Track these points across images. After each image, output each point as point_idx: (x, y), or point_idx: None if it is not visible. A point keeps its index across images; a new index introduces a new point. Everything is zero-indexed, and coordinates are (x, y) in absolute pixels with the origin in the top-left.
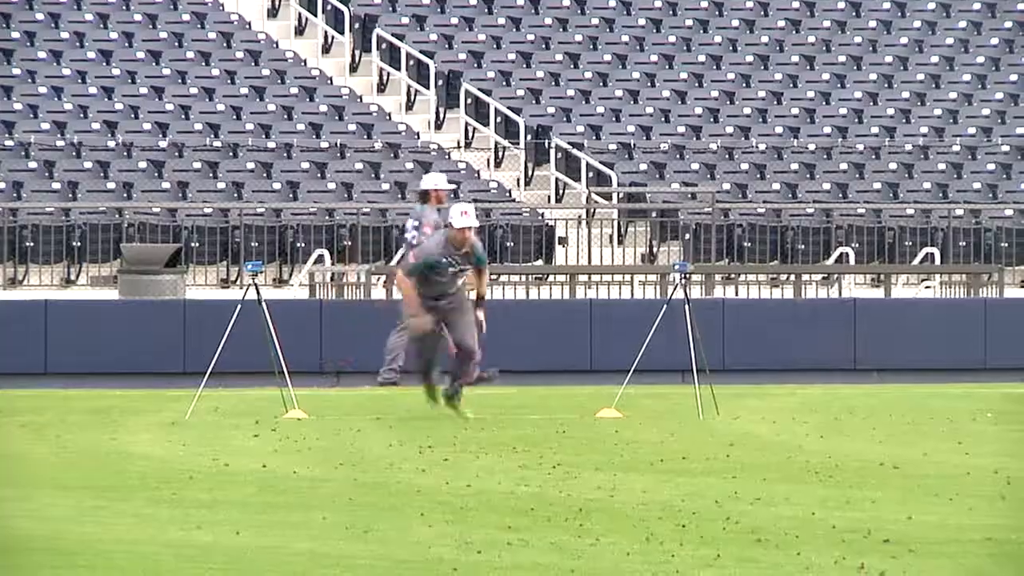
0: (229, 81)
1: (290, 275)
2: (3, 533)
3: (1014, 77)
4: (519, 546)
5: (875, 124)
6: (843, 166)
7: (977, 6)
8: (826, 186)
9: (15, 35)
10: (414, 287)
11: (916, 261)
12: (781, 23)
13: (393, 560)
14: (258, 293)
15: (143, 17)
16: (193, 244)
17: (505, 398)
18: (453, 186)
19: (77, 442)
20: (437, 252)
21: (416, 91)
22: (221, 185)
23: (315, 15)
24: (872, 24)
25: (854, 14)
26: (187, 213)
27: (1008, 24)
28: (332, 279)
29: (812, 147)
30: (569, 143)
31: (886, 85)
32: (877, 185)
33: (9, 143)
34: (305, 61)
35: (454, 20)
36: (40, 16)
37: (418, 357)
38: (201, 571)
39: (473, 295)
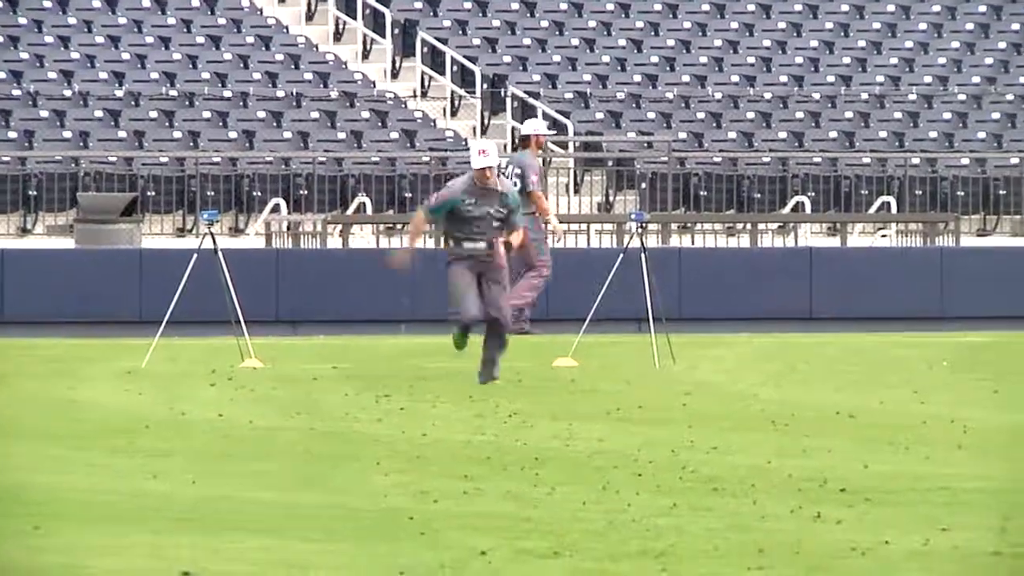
0: (184, 30)
1: (246, 224)
2: None
3: (970, 26)
4: (475, 495)
5: (831, 73)
6: (799, 115)
7: None
8: (782, 135)
9: (22, 21)
10: (424, 227)
11: (872, 210)
12: None
13: (349, 509)
14: (214, 242)
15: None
16: (149, 193)
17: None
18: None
19: (35, 391)
20: (460, 191)
21: (372, 39)
22: (177, 134)
23: None
24: None
25: None
26: (143, 162)
27: None
28: (288, 228)
29: (768, 96)
30: (525, 92)
31: (842, 34)
32: (833, 134)
33: None
34: (262, 10)
35: None
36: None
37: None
38: (159, 520)
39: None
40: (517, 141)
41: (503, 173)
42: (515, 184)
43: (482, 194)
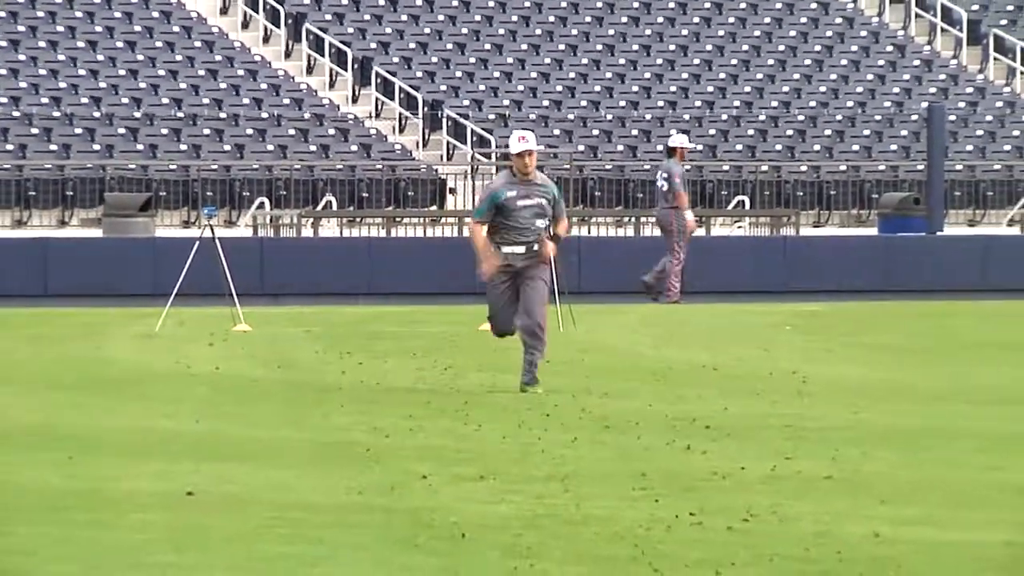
0: (189, 65)
1: (238, 218)
2: (7, 423)
3: (808, 61)
4: (418, 431)
5: (698, 99)
6: (672, 131)
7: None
8: (659, 147)
9: (21, 28)
10: (484, 233)
11: (731, 206)
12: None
13: (319, 443)
14: (212, 232)
15: (122, 15)
16: (161, 193)
17: (408, 315)
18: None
19: (68, 350)
20: (501, 185)
21: (337, 72)
22: (183, 147)
23: (256, 11)
24: (732, 20)
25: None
26: (156, 169)
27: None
28: (271, 221)
29: (648, 117)
30: (457, 114)
31: (707, 69)
32: (700, 147)
33: (16, 114)
34: (250, 49)
35: (367, 16)
36: (40, 13)
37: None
38: (168, 452)
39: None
40: (666, 151)
41: (662, 175)
42: (663, 185)
43: (523, 184)
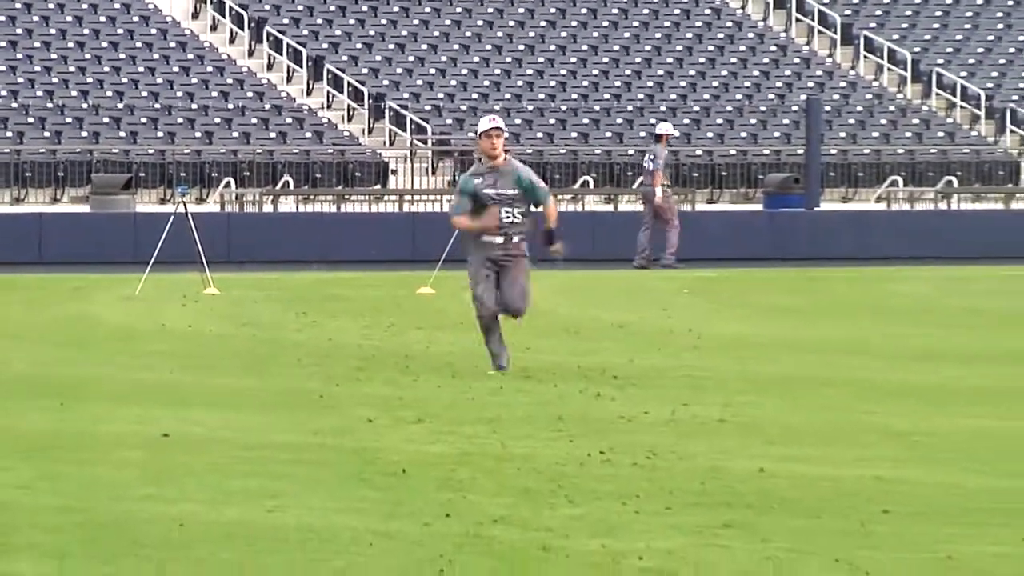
0: (165, 63)
1: (207, 196)
2: (6, 374)
3: (702, 59)
4: (365, 381)
5: (598, 104)
6: (585, 121)
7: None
8: (574, 134)
9: (19, 30)
10: (464, 223)
11: (634, 186)
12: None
13: (279, 391)
14: (185, 208)
15: (106, 19)
16: (141, 174)
17: (355, 279)
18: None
19: (59, 311)
20: (471, 174)
21: (293, 69)
22: (160, 134)
23: (224, 16)
24: (629, 32)
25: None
26: (136, 153)
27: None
28: (236, 198)
29: (564, 107)
30: (398, 105)
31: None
32: (608, 134)
33: (14, 105)
34: (217, 48)
35: (319, 20)
36: (35, 17)
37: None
38: (147, 398)
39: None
40: (654, 137)
41: (649, 157)
42: (649, 166)
43: (491, 172)
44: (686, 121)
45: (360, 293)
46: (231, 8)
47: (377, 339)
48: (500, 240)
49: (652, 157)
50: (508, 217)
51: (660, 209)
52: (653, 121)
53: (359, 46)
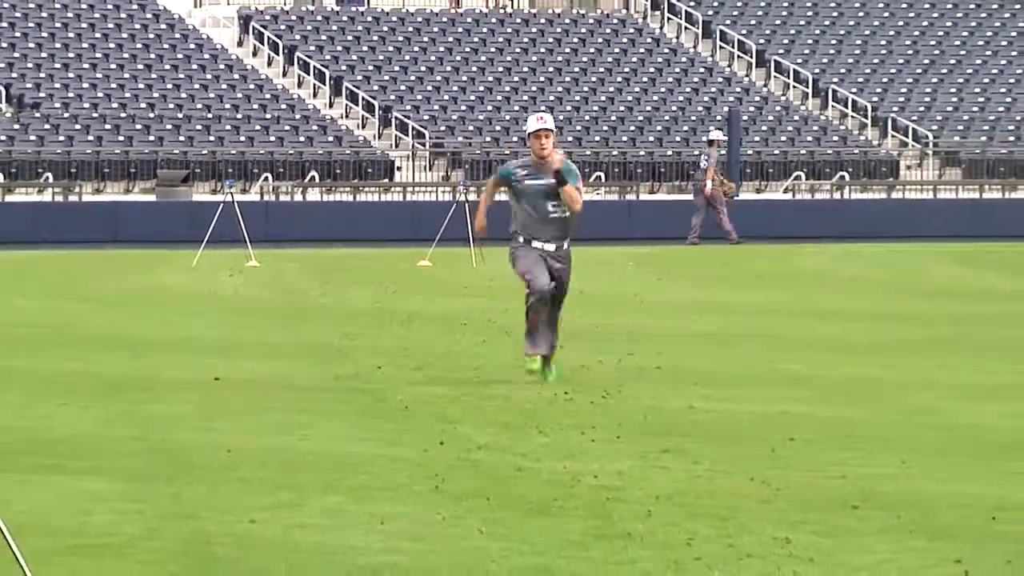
0: (216, 82)
1: (249, 187)
2: (88, 331)
3: (594, 78)
4: (375, 336)
5: (569, 106)
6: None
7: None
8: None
9: (99, 55)
10: (489, 198)
11: (591, 179)
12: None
13: (306, 344)
14: (232, 197)
15: (168, 46)
16: (196, 171)
17: (367, 255)
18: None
19: (131, 279)
20: (514, 165)
21: (318, 87)
22: (212, 138)
23: (262, 43)
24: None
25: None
26: (193, 154)
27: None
28: (272, 190)
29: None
30: (402, 115)
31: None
32: (570, 138)
33: (95, 115)
34: (257, 70)
35: (339, 48)
36: (111, 45)
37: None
38: (202, 349)
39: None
40: (707, 142)
41: (704, 158)
42: (703, 164)
43: (536, 166)
44: (632, 128)
45: (371, 265)
46: (268, 38)
47: (385, 302)
48: (552, 248)
49: (706, 157)
50: (555, 213)
51: (711, 198)
52: (605, 128)
53: (371, 68)
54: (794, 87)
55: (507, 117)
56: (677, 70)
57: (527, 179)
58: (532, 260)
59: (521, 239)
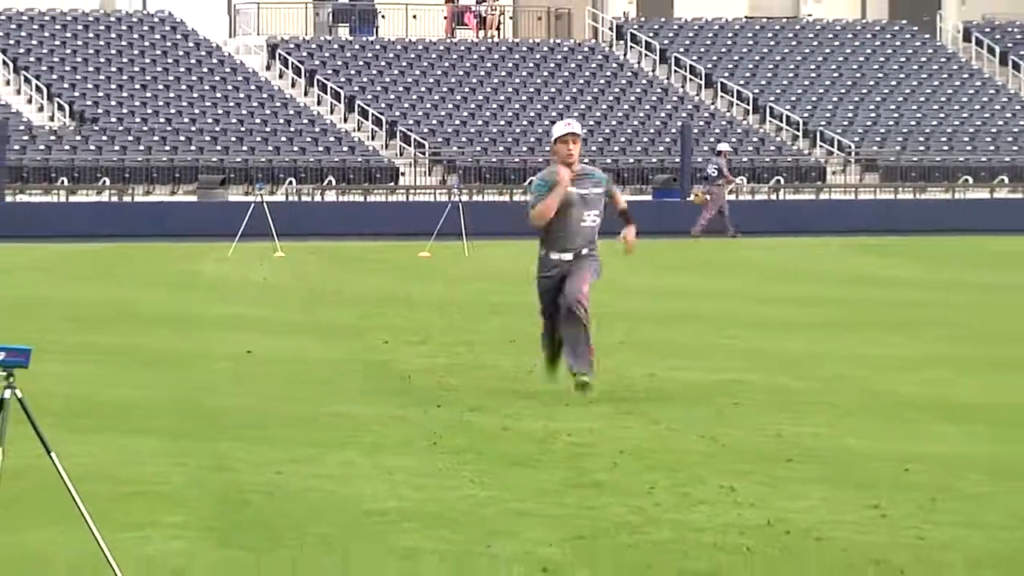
0: (247, 99)
1: (276, 190)
2: (136, 310)
3: (568, 96)
4: (381, 314)
5: (544, 125)
6: (532, 139)
7: None
8: (524, 148)
9: (148, 77)
10: (546, 209)
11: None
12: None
13: (324, 322)
14: (262, 198)
15: (207, 69)
16: (231, 175)
17: (377, 248)
18: (731, 150)
19: (175, 267)
20: (548, 172)
21: (335, 104)
22: (244, 148)
23: (287, 67)
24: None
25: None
26: (228, 161)
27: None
28: (296, 192)
29: (518, 130)
30: (406, 129)
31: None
32: (536, 145)
33: (144, 129)
34: (282, 91)
35: (352, 71)
36: (159, 68)
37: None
38: (235, 326)
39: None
40: (716, 152)
41: (713, 166)
42: (713, 172)
43: (569, 176)
44: (600, 139)
45: (379, 256)
46: (292, 63)
47: (390, 288)
48: (570, 256)
49: (715, 166)
50: (586, 222)
51: (712, 195)
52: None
53: (379, 88)
54: (737, 105)
55: (494, 130)
56: (638, 91)
57: (569, 188)
58: (547, 302)
59: (544, 251)
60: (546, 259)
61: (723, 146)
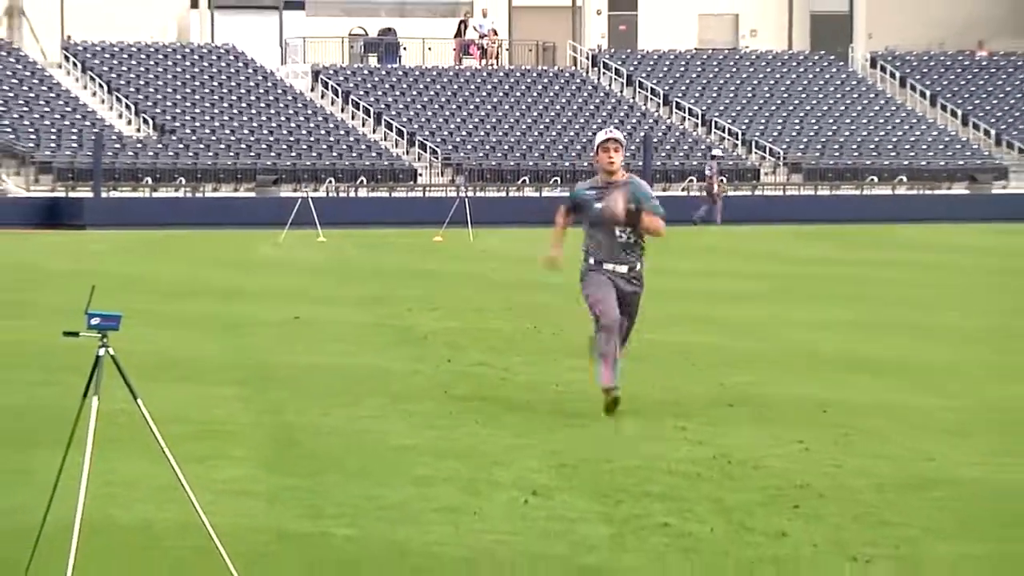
0: (293, 114)
1: (319, 188)
2: (196, 286)
3: (553, 114)
4: (404, 287)
5: (535, 139)
6: (524, 146)
7: None
8: (518, 153)
9: (216, 97)
10: (563, 227)
11: (518, 181)
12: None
13: (356, 293)
14: (307, 195)
15: (263, 90)
16: (283, 176)
17: (398, 234)
18: (723, 155)
19: (233, 252)
20: (586, 186)
21: (364, 118)
22: (293, 153)
23: (327, 88)
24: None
25: None
26: (280, 164)
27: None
28: (335, 189)
29: (513, 139)
30: (423, 139)
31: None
32: (535, 153)
33: (214, 138)
34: (323, 107)
35: (379, 91)
36: (225, 90)
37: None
38: (284, 297)
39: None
40: (710, 156)
41: (708, 168)
42: (708, 172)
43: (604, 187)
44: (579, 147)
45: (400, 240)
46: (332, 86)
47: (412, 266)
48: (624, 269)
49: (709, 168)
50: (622, 237)
51: (714, 195)
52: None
53: (401, 106)
54: (688, 119)
55: (494, 139)
56: (609, 108)
57: (595, 202)
58: (602, 287)
59: (592, 260)
60: (598, 267)
61: (716, 151)
